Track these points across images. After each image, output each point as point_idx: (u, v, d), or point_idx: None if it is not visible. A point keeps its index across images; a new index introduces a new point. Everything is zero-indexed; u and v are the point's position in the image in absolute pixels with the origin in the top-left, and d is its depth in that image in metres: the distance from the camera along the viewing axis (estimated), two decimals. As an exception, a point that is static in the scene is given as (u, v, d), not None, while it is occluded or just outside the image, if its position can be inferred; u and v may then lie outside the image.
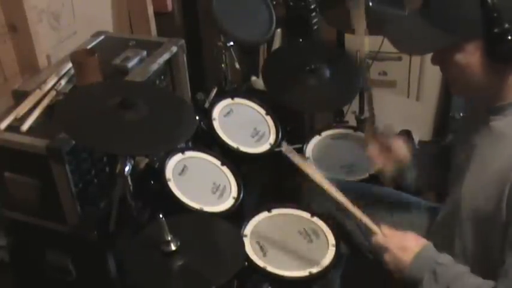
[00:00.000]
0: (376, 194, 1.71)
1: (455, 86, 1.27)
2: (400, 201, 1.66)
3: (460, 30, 1.14)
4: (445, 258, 1.25)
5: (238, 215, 1.66)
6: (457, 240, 1.31)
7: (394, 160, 1.55)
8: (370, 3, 1.97)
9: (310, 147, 1.97)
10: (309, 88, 1.94)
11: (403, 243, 1.29)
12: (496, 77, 1.18)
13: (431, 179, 1.60)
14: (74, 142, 1.55)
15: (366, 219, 1.36)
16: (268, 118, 1.99)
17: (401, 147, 1.55)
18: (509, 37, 1.09)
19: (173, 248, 1.35)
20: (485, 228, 1.23)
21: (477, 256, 1.28)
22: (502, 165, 1.17)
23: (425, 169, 1.57)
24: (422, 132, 2.72)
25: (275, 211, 1.66)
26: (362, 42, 1.68)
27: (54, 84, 1.80)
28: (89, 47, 2.02)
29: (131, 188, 1.50)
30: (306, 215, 1.64)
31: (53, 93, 1.76)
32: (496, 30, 1.10)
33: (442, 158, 1.55)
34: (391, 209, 1.63)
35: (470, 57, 1.16)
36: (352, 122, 2.38)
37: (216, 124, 1.88)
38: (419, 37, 1.20)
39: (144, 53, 1.96)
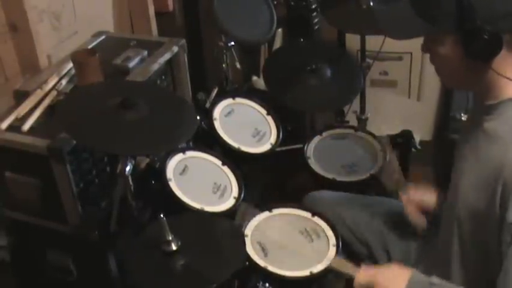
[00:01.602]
0: (369, 202, 1.72)
1: (440, 76, 1.29)
2: (394, 208, 1.66)
3: (437, 22, 1.16)
4: (438, 279, 1.26)
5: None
6: (454, 241, 1.31)
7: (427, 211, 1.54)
8: (371, 3, 1.98)
9: (311, 147, 1.97)
10: (309, 88, 1.94)
11: (390, 275, 1.30)
12: (477, 73, 1.19)
13: None
14: (74, 142, 1.55)
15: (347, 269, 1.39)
16: (269, 118, 1.98)
17: (431, 200, 1.54)
18: (483, 35, 1.10)
19: (174, 247, 1.35)
20: (480, 228, 1.23)
21: (475, 257, 1.28)
22: (495, 164, 1.17)
23: None
24: (423, 132, 2.72)
25: (276, 211, 1.66)
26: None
27: (55, 84, 1.80)
28: (90, 46, 2.02)
29: (132, 188, 1.50)
30: (307, 214, 1.64)
31: (54, 93, 1.76)
32: (468, 26, 1.11)
33: None
34: (386, 217, 1.63)
35: (450, 50, 1.17)
36: (353, 121, 2.39)
37: (217, 124, 1.88)
38: (403, 23, 1.22)
39: (145, 52, 1.96)
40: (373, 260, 1.61)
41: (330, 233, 1.58)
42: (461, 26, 1.12)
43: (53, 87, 1.78)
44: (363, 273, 1.33)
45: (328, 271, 1.46)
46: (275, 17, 2.11)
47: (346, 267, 1.39)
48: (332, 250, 1.52)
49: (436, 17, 1.16)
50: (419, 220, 1.53)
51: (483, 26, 1.10)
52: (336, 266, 1.42)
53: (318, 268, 1.47)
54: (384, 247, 1.61)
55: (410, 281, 1.25)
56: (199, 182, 1.71)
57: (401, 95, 2.89)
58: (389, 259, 1.59)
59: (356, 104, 2.34)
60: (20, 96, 1.76)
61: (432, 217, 1.52)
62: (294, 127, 2.20)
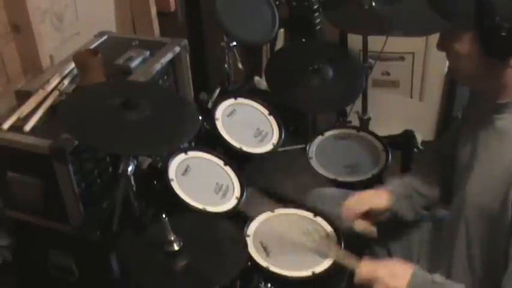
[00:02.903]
0: None
1: (455, 74, 1.29)
2: None
3: (454, 19, 1.16)
4: (440, 277, 1.25)
5: (241, 215, 1.66)
6: (460, 240, 1.30)
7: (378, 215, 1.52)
8: (373, 4, 1.97)
9: (313, 148, 1.97)
10: (311, 88, 1.94)
11: (392, 271, 1.29)
12: (494, 71, 1.19)
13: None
14: (76, 142, 1.56)
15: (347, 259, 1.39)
16: (271, 118, 1.98)
17: (378, 202, 1.52)
18: (502, 33, 1.10)
19: (176, 248, 1.35)
20: (490, 227, 1.23)
21: (482, 258, 1.28)
22: (508, 163, 1.17)
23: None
24: (425, 132, 2.72)
25: (278, 211, 1.66)
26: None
27: (57, 84, 1.80)
28: (92, 47, 2.02)
29: (134, 188, 1.50)
30: (309, 215, 1.64)
31: (56, 93, 1.76)
32: (488, 23, 1.11)
33: (437, 163, 1.56)
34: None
35: (467, 47, 1.17)
36: (355, 122, 2.39)
37: (219, 124, 1.88)
38: (418, 20, 1.22)
39: (147, 53, 1.96)
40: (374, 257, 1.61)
41: (332, 233, 1.57)
42: (480, 23, 1.12)
43: (55, 88, 1.78)
44: (364, 268, 1.32)
45: (330, 268, 1.46)
46: (277, 17, 2.11)
47: (348, 260, 1.39)
48: (334, 250, 1.52)
49: (454, 14, 1.15)
50: (367, 228, 1.51)
51: (502, 23, 1.10)
52: (338, 259, 1.43)
53: (320, 268, 1.47)
54: (385, 245, 1.61)
55: (412, 278, 1.25)
56: (202, 182, 1.71)
57: (404, 95, 2.89)
58: (389, 257, 1.59)
59: (358, 104, 2.33)
60: (22, 97, 1.77)
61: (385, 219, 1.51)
62: (296, 127, 2.20)
